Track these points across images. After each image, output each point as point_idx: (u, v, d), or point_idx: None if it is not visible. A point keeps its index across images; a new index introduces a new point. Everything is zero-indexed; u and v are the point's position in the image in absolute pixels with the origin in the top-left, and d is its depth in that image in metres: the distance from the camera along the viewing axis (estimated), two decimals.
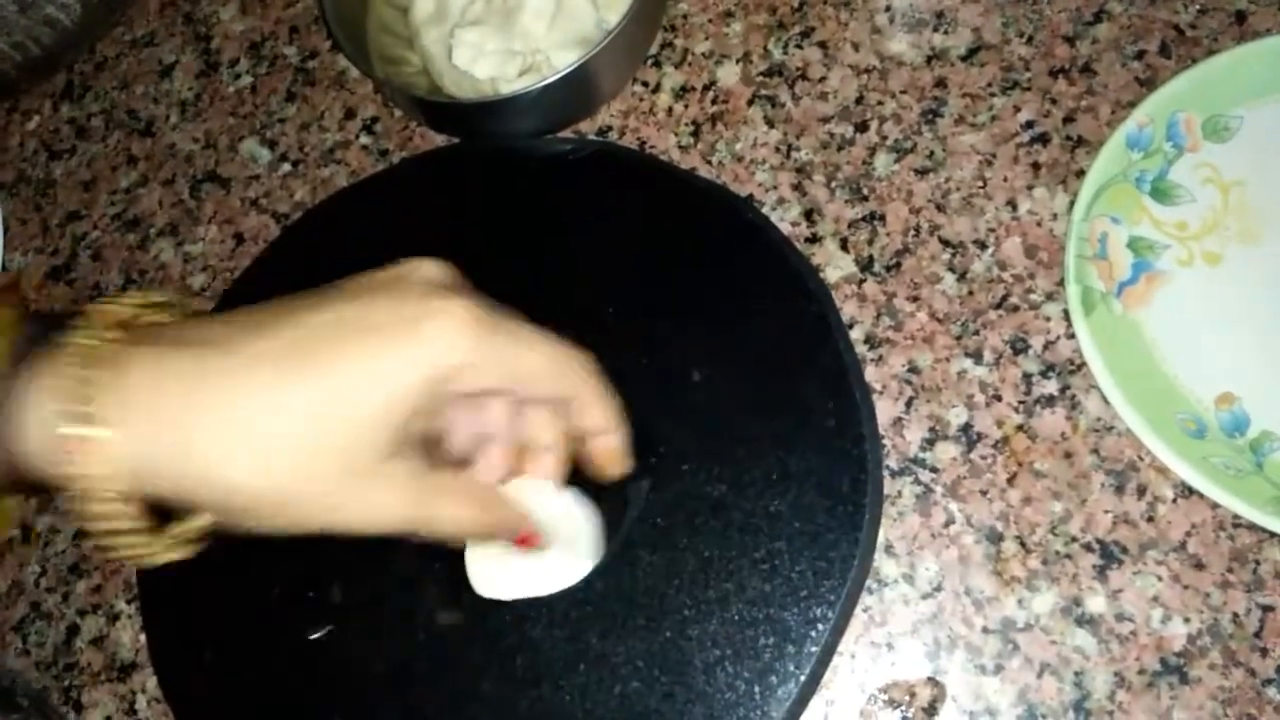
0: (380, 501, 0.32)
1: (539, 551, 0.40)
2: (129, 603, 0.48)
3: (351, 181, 0.53)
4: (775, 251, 0.46)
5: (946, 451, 0.43)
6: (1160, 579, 0.39)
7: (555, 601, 0.42)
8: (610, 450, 0.38)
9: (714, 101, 0.52)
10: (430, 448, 0.35)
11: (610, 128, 0.53)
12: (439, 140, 0.54)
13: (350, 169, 0.55)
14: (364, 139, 0.55)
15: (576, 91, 0.50)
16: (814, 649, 0.39)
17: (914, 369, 0.45)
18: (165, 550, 0.31)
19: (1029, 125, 0.48)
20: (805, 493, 0.41)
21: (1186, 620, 0.39)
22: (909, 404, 0.44)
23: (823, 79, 0.51)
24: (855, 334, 0.46)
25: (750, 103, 0.52)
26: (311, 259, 0.51)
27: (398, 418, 0.31)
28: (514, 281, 0.48)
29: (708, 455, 0.43)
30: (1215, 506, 0.40)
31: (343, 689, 0.43)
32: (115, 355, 0.30)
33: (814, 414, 0.43)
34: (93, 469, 0.29)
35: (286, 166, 0.56)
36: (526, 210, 0.49)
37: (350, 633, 0.44)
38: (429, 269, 0.33)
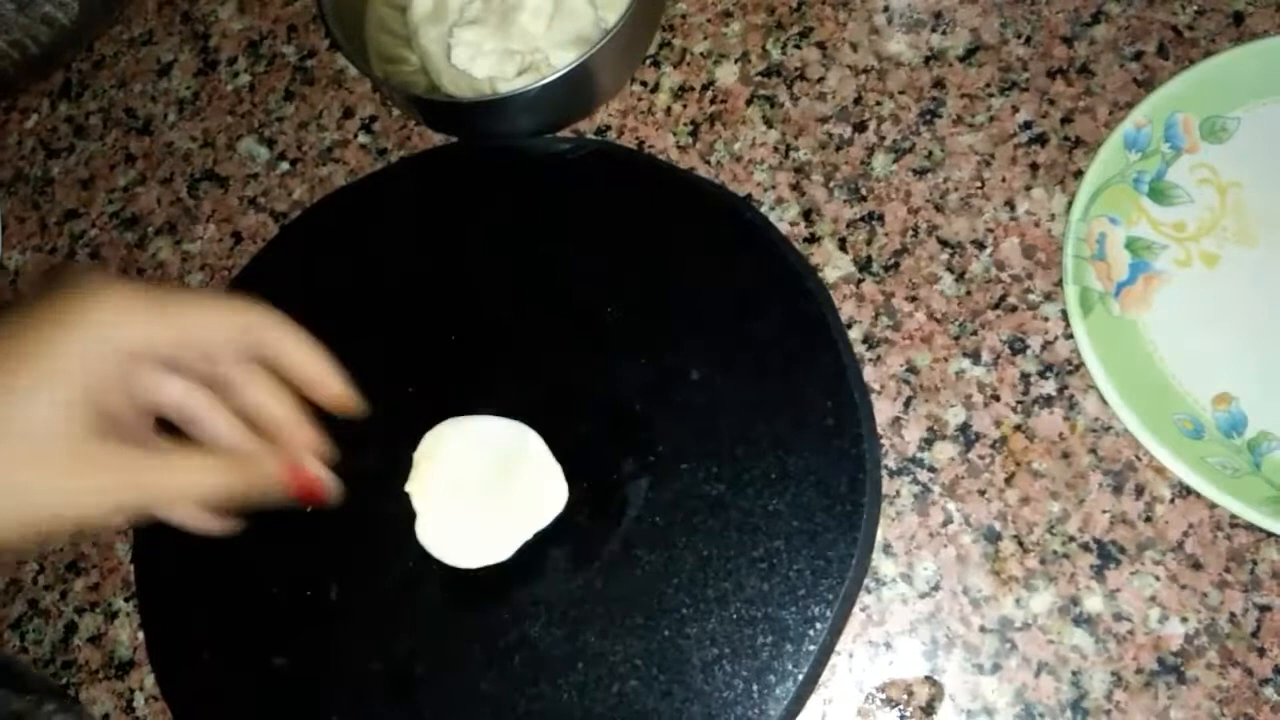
0: (87, 486, 0.32)
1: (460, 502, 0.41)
2: (127, 600, 0.48)
3: (350, 180, 0.53)
4: (774, 251, 0.46)
5: (944, 451, 0.43)
6: (1158, 579, 0.39)
7: (554, 600, 0.42)
8: (332, 391, 0.37)
9: (712, 101, 0.52)
10: (139, 425, 0.35)
11: (609, 127, 0.53)
12: (437, 139, 0.54)
13: (349, 168, 0.55)
14: (362, 138, 0.55)
15: (575, 91, 0.50)
16: (812, 648, 0.39)
17: (912, 369, 0.45)
18: None
19: (1027, 126, 0.48)
20: (803, 492, 0.41)
21: (1184, 620, 0.39)
22: (907, 404, 0.44)
23: (821, 79, 0.51)
24: (853, 334, 0.46)
25: (749, 102, 0.52)
26: (310, 258, 0.51)
27: (77, 395, 0.31)
28: (512, 280, 0.48)
29: (706, 454, 0.43)
30: (1213, 506, 0.40)
31: (340, 688, 0.43)
32: None
33: (812, 413, 0.43)
34: None
35: (285, 165, 0.55)
36: (524, 209, 0.49)
37: (348, 631, 0.44)
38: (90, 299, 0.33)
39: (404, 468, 0.44)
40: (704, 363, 0.44)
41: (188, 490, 0.34)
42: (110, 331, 0.32)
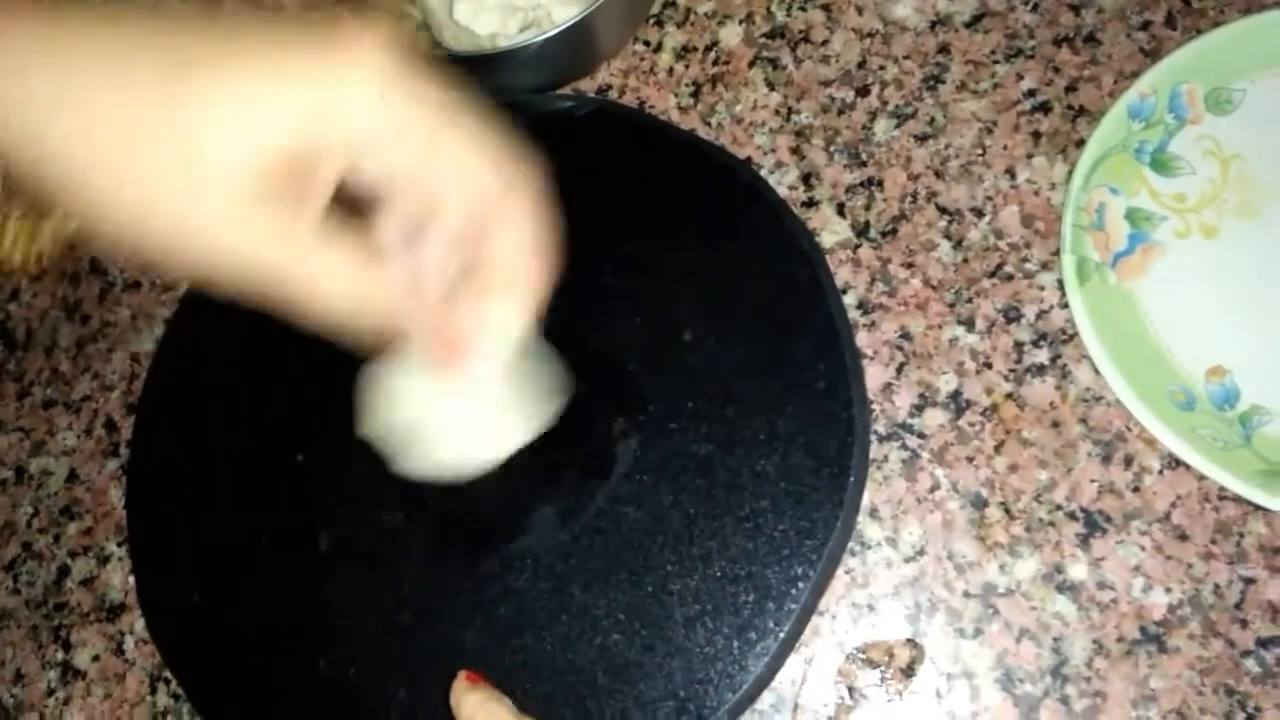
0: (233, 235, 0.27)
1: (469, 395, 0.34)
2: (119, 545, 0.48)
3: None
4: (771, 214, 0.46)
5: (935, 418, 0.43)
6: (1143, 549, 0.39)
7: (541, 554, 0.42)
8: (507, 320, 0.31)
9: (715, 63, 0.52)
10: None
11: (610, 86, 0.53)
12: None
13: None
14: None
15: (576, 48, 0.50)
16: (794, 607, 0.39)
17: (906, 335, 0.45)
18: (30, 242, 0.28)
19: (1031, 94, 0.47)
20: (792, 454, 0.41)
21: (1168, 590, 0.39)
22: (900, 370, 0.44)
23: (825, 42, 0.51)
24: (849, 299, 0.46)
25: (751, 64, 0.51)
26: None
27: (268, 155, 0.26)
28: None
29: (696, 414, 0.43)
30: (1201, 478, 0.39)
31: (328, 635, 0.43)
32: None
33: (804, 377, 0.43)
34: None
35: None
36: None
37: (337, 580, 0.44)
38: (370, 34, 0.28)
39: None
40: (697, 323, 0.44)
41: (328, 298, 0.28)
42: (343, 105, 0.26)
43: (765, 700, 0.39)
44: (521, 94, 0.51)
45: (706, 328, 0.44)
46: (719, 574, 0.40)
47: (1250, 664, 0.37)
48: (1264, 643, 0.37)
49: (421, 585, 0.43)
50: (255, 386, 0.48)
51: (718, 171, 0.47)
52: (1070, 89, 0.47)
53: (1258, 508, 0.39)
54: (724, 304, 0.44)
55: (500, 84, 0.51)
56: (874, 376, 0.44)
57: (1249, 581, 0.38)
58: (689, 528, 0.41)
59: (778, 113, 0.50)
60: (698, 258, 0.46)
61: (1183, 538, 0.39)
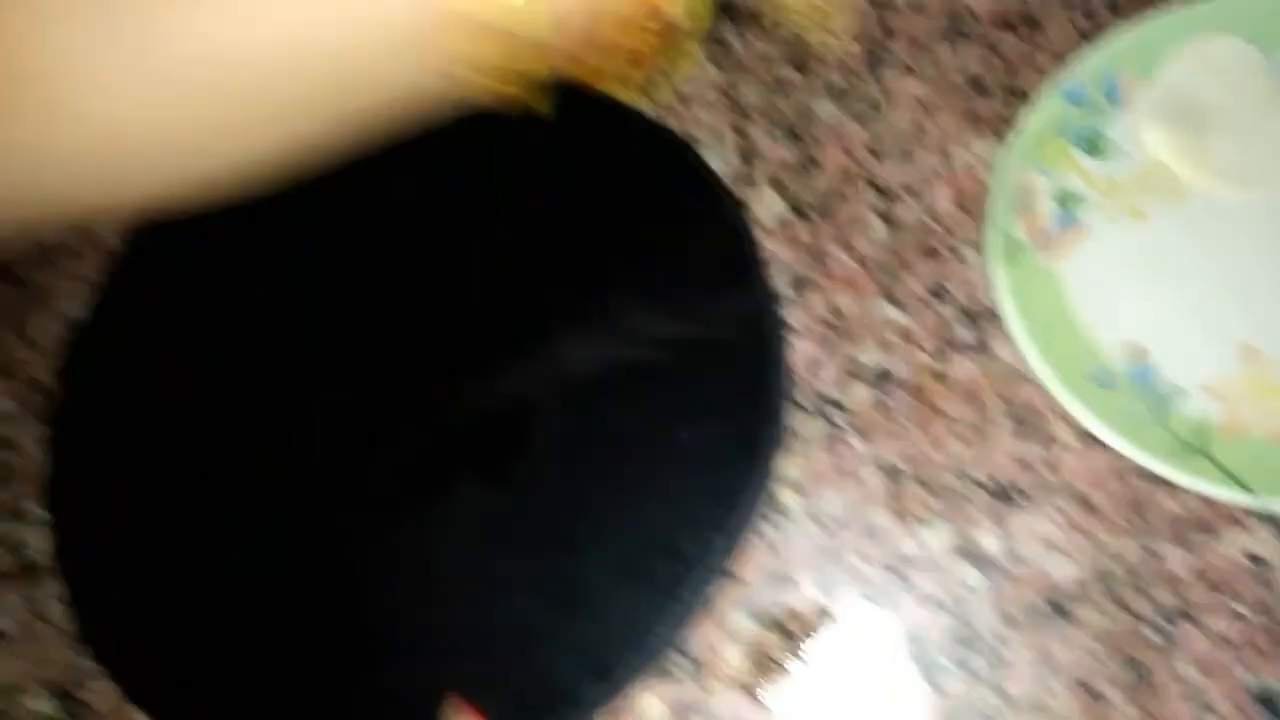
0: None
1: None
2: (39, 506, 0.48)
3: None
4: (703, 189, 0.46)
5: (860, 392, 0.43)
6: (1055, 523, 0.40)
7: (457, 520, 0.42)
8: None
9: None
10: None
11: None
12: None
13: None
14: None
15: None
16: (706, 572, 0.39)
17: (836, 312, 0.45)
18: None
19: (970, 75, 0.48)
20: (711, 425, 0.42)
21: (1076, 563, 0.39)
22: (828, 346, 0.45)
23: (769, 20, 0.51)
24: (782, 275, 0.46)
25: (695, 39, 0.52)
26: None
27: None
28: (434, 203, 0.48)
29: (618, 383, 0.43)
30: (1115, 455, 0.40)
31: (247, 596, 0.43)
32: None
33: (728, 350, 0.43)
34: None
35: None
36: (456, 133, 0.49)
37: (256, 543, 0.44)
38: None
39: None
40: (623, 294, 0.44)
41: None
42: None
43: (676, 662, 0.40)
44: None
45: (633, 299, 0.44)
46: (634, 539, 0.40)
47: (1151, 634, 0.37)
48: (1166, 615, 0.37)
49: (335, 547, 0.43)
50: (189, 350, 0.48)
51: (651, 145, 0.47)
52: (1009, 71, 0.47)
53: (1167, 484, 0.39)
54: (651, 276, 0.45)
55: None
56: (802, 351, 0.45)
57: (1155, 555, 0.38)
58: (606, 494, 0.41)
59: (720, 90, 0.50)
60: (628, 230, 0.46)
61: (1094, 512, 0.39)
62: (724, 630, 0.40)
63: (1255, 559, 0.38)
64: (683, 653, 0.40)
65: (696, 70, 0.51)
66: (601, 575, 0.40)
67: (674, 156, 0.47)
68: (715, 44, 0.51)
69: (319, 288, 0.47)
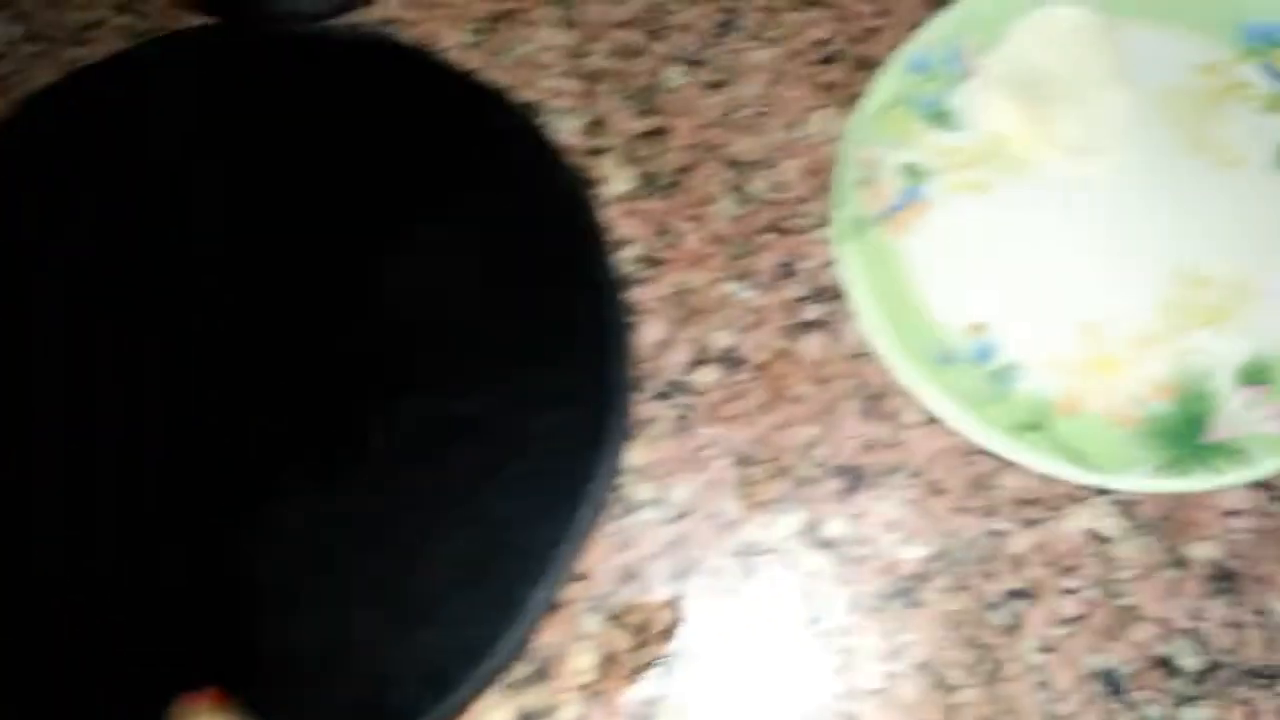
0: None
1: None
2: None
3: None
4: (547, 162, 0.44)
5: (709, 375, 0.42)
6: (900, 504, 0.39)
7: (287, 523, 0.39)
8: None
9: None
10: None
11: (394, 19, 0.50)
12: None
13: (108, 50, 0.50)
14: (121, 19, 0.50)
15: None
16: (551, 572, 0.38)
17: (686, 290, 0.44)
18: None
19: (820, 44, 0.47)
20: (555, 414, 0.40)
21: (921, 545, 0.39)
22: (677, 326, 0.43)
23: None
24: (631, 252, 0.44)
25: (544, 2, 0.49)
26: (43, 146, 0.47)
27: None
28: (263, 181, 0.45)
29: (455, 372, 0.41)
30: (958, 434, 0.40)
31: (39, 616, 0.40)
32: None
33: (571, 333, 0.41)
34: None
35: (31, 46, 0.50)
36: (284, 103, 0.46)
37: (66, 554, 0.41)
38: None
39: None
40: (463, 276, 0.42)
41: None
42: None
43: (520, 669, 0.38)
44: (296, 22, 0.47)
45: (470, 281, 0.42)
46: (474, 539, 0.38)
47: (995, 617, 0.37)
48: (1010, 595, 0.38)
49: (149, 563, 0.40)
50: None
51: (493, 114, 0.45)
52: (857, 40, 0.46)
53: (1010, 463, 0.39)
54: (491, 258, 0.42)
55: (269, 11, 0.47)
56: (651, 333, 0.43)
57: (998, 535, 0.38)
58: (446, 493, 0.39)
59: (568, 54, 0.48)
60: (466, 205, 0.43)
61: (939, 492, 0.39)
62: (572, 632, 0.39)
63: (1096, 536, 0.38)
64: (529, 659, 0.39)
65: (542, 33, 0.48)
66: (439, 581, 0.38)
67: (512, 125, 0.44)
68: (563, 5, 0.49)
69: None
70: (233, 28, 0.48)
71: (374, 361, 0.41)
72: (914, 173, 0.43)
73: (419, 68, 0.46)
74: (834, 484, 0.40)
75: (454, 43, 0.49)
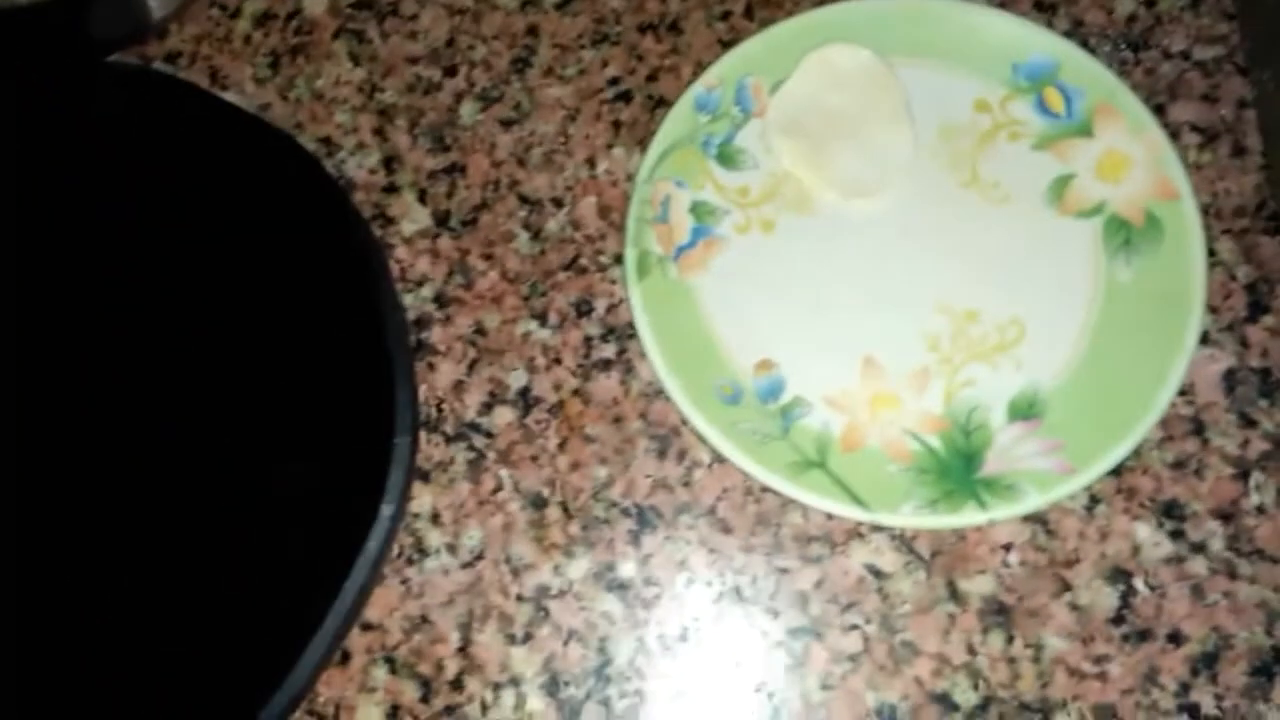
0: None
1: None
2: None
3: None
4: (331, 202, 0.43)
5: (503, 416, 0.42)
6: (689, 543, 0.40)
7: (38, 603, 0.37)
8: None
9: (297, 32, 0.48)
10: None
11: (180, 54, 0.48)
12: None
13: None
14: None
15: (116, 5, 0.44)
16: (333, 624, 0.37)
17: (481, 330, 0.43)
18: None
19: (614, 81, 0.47)
20: (335, 459, 0.39)
21: (709, 584, 0.39)
22: (472, 366, 0.43)
23: (414, 17, 0.48)
24: (426, 292, 0.44)
25: (336, 36, 0.48)
26: None
27: None
28: (33, 225, 0.42)
29: (234, 417, 0.39)
30: (745, 472, 0.40)
31: None
32: None
33: (355, 377, 0.40)
34: None
35: None
36: (58, 144, 0.43)
37: None
38: None
39: None
40: (238, 319, 0.41)
41: None
42: None
43: None
44: (62, 59, 0.45)
45: (248, 324, 0.40)
46: (251, 591, 0.37)
47: (780, 655, 0.38)
48: (793, 633, 0.38)
49: None
50: None
51: (277, 152, 0.43)
52: (650, 78, 0.47)
53: (792, 500, 0.40)
54: (270, 299, 0.41)
55: (42, 46, 0.45)
56: (446, 374, 0.42)
57: (783, 572, 0.39)
58: (217, 539, 0.38)
59: (361, 90, 0.47)
60: (246, 247, 0.42)
61: (726, 531, 0.40)
62: (359, 683, 0.38)
63: (876, 572, 0.39)
64: (312, 713, 0.37)
65: (335, 67, 0.47)
66: (211, 632, 0.36)
67: (295, 163, 0.43)
68: (355, 39, 0.48)
69: None
70: (13, 59, 0.45)
71: (144, 404, 0.39)
72: (704, 211, 0.43)
73: (203, 106, 0.44)
74: (626, 525, 0.40)
75: (246, 76, 0.47)
